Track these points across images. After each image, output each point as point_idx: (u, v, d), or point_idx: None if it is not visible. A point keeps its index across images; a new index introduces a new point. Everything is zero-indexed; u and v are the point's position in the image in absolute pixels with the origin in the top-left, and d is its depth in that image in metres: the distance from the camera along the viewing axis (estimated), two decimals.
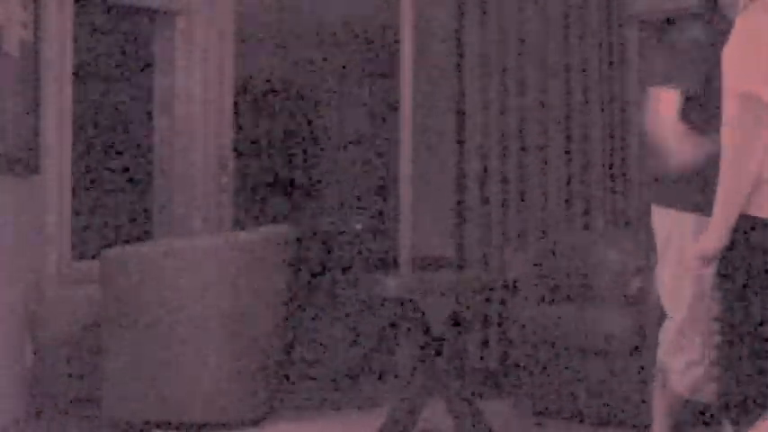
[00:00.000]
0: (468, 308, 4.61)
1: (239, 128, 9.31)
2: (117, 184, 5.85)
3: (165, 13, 5.87)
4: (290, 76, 9.67)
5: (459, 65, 5.87)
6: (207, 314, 4.73)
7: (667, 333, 3.80)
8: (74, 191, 5.52)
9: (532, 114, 5.93)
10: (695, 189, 3.67)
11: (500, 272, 5.77)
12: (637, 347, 4.77)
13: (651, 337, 4.74)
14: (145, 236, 5.94)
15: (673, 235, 3.72)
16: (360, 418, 5.11)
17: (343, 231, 9.40)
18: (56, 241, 5.29)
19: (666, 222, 3.74)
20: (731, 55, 2.83)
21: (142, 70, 5.94)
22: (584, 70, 6.03)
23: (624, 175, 6.11)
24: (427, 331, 4.62)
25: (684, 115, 3.71)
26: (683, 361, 3.76)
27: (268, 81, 9.54)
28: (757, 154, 2.75)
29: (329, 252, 9.38)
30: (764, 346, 2.76)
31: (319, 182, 9.59)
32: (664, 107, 3.64)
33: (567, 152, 6.00)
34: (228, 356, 4.75)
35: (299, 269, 9.21)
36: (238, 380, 4.79)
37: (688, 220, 3.68)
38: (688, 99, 3.69)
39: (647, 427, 4.77)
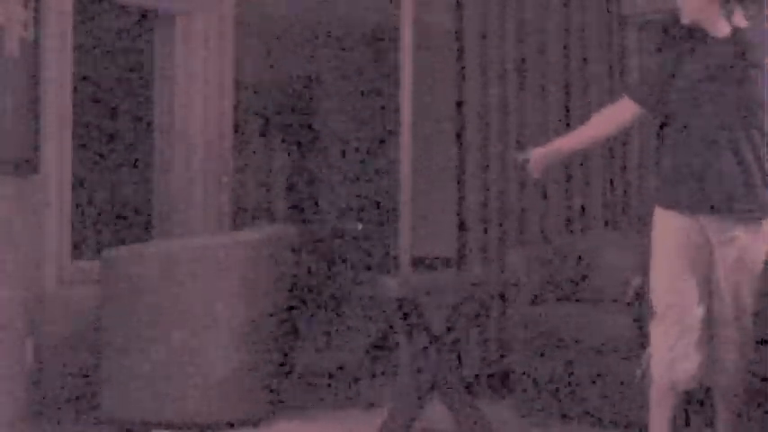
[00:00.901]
0: (467, 308, 4.61)
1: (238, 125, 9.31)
2: (117, 184, 5.84)
3: (164, 13, 5.87)
4: (290, 75, 9.67)
5: (459, 65, 5.87)
6: (207, 314, 4.73)
7: (653, 326, 3.98)
8: (74, 191, 5.52)
9: (532, 114, 5.93)
10: (677, 188, 3.92)
11: (500, 272, 5.77)
12: (637, 347, 4.77)
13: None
14: (145, 236, 5.94)
15: (659, 231, 3.97)
16: (360, 418, 5.11)
17: (344, 231, 9.41)
18: (56, 241, 5.28)
19: (661, 220, 3.98)
20: None
21: (142, 70, 5.94)
22: (584, 70, 6.02)
23: (624, 175, 6.11)
24: (427, 331, 4.62)
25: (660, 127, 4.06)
26: (662, 347, 3.92)
27: (267, 80, 9.53)
28: None
29: (329, 252, 9.38)
30: None
31: (319, 181, 9.59)
32: (616, 106, 4.08)
33: None
34: (229, 356, 4.75)
35: (299, 269, 9.21)
36: (238, 380, 4.78)
37: (671, 217, 3.93)
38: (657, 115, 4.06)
39: (647, 426, 4.77)
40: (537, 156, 4.17)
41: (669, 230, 3.93)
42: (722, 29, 3.91)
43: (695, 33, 3.96)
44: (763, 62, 3.85)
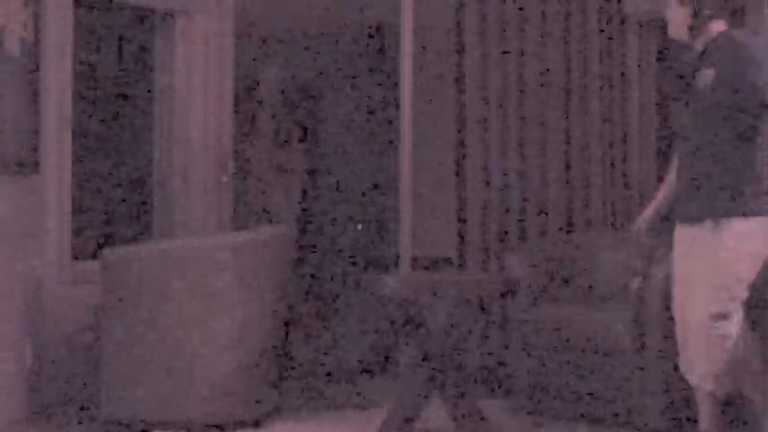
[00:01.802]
0: (467, 308, 4.61)
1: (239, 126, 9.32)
2: (117, 183, 5.85)
3: (164, 13, 5.87)
4: (290, 75, 9.67)
5: (459, 65, 5.87)
6: (207, 314, 4.73)
7: None
8: (74, 191, 5.52)
9: (532, 113, 5.93)
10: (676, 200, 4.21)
11: (500, 272, 5.77)
12: (637, 347, 4.77)
13: (651, 336, 4.74)
14: (145, 236, 5.94)
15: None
16: (360, 418, 5.11)
17: (344, 231, 9.41)
18: (55, 241, 5.28)
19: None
20: None
21: (142, 70, 5.94)
22: (584, 71, 6.02)
23: (624, 175, 6.11)
24: (427, 331, 4.62)
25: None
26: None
27: (267, 80, 9.53)
28: None
29: (329, 252, 9.38)
30: None
31: (319, 181, 9.59)
32: None
33: (567, 152, 6.00)
34: (228, 356, 4.75)
35: (299, 269, 9.21)
36: (238, 380, 4.79)
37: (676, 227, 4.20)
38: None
39: (648, 426, 4.78)
40: (643, 226, 4.37)
41: (675, 239, 4.17)
42: (701, 41, 4.00)
43: (682, 46, 4.11)
44: (716, 68, 3.87)
